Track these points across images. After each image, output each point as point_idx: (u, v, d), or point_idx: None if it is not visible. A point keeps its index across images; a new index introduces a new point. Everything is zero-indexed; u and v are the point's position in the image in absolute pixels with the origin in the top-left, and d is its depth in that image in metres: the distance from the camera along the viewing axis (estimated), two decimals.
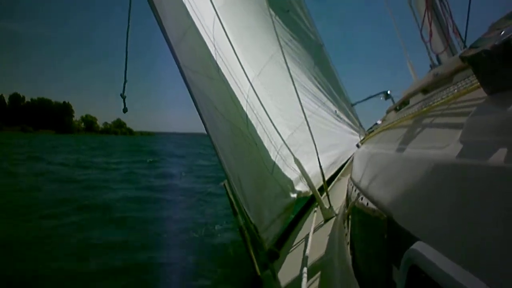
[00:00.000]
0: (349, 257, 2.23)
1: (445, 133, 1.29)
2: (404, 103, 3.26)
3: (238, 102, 3.34)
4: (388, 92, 6.66)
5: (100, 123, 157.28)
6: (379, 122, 4.09)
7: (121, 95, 2.15)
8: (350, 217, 2.53)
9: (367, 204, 1.82)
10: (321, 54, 6.77)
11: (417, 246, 0.99)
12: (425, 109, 1.80)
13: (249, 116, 3.49)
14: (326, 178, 5.30)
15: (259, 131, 3.67)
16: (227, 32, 3.69)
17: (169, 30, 2.12)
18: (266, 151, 3.65)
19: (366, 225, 1.87)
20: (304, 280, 2.49)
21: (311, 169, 4.42)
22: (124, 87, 2.16)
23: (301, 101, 5.75)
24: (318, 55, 6.68)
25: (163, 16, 2.10)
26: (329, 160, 5.78)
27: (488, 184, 0.77)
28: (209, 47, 3.16)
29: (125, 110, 2.19)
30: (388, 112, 3.82)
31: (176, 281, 6.52)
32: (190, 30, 2.82)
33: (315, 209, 4.34)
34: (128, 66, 2.28)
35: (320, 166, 4.20)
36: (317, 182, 4.48)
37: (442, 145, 1.13)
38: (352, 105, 7.26)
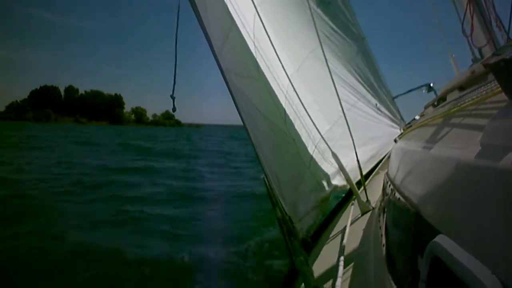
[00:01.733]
0: (382, 248, 2.34)
1: (469, 135, 1.39)
2: (442, 98, 3.28)
3: (277, 98, 3.47)
4: (431, 84, 6.53)
5: (149, 115, 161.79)
6: (417, 117, 4.10)
7: (171, 96, 2.36)
8: (385, 210, 2.63)
9: (399, 199, 1.94)
10: (362, 47, 6.72)
11: (439, 239, 1.11)
12: (455, 108, 1.87)
13: (288, 112, 3.62)
14: (366, 171, 5.35)
15: (297, 126, 3.79)
16: (267, 29, 3.81)
17: (212, 35, 2.29)
18: (304, 146, 3.77)
19: (397, 219, 2.00)
20: (340, 269, 2.62)
21: (349, 162, 4.49)
22: (173, 88, 2.37)
23: (341, 94, 5.79)
24: (359, 48, 6.64)
25: (206, 20, 2.27)
26: (369, 154, 5.80)
27: (502, 185, 0.85)
28: (250, 46, 3.30)
29: (174, 109, 2.41)
30: (426, 107, 3.83)
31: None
32: (232, 31, 2.98)
33: (353, 202, 4.44)
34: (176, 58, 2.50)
35: (358, 160, 4.27)
36: (355, 176, 4.54)
37: (464, 146, 1.23)
38: (393, 98, 7.17)
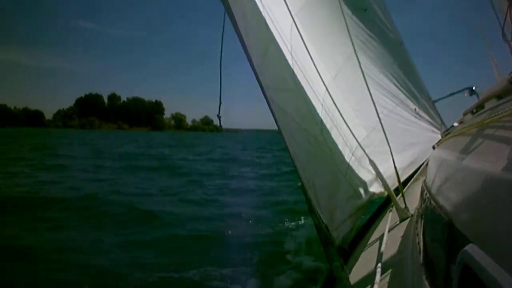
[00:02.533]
0: (419, 256, 2.37)
1: (502, 147, 1.43)
2: (481, 106, 3.25)
3: (314, 108, 3.55)
4: (474, 88, 6.38)
5: (188, 121, 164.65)
6: (455, 124, 4.05)
7: (217, 115, 2.53)
8: (422, 218, 2.66)
9: (434, 207, 1.99)
10: (400, 51, 6.67)
11: (469, 248, 1.18)
12: (490, 119, 1.90)
13: (324, 121, 3.68)
14: (404, 178, 5.30)
15: (334, 135, 3.85)
16: (304, 38, 3.90)
17: (252, 53, 2.43)
18: (340, 154, 3.82)
19: (432, 227, 2.05)
20: (378, 276, 2.66)
21: (388, 169, 4.48)
22: (219, 108, 2.55)
23: (378, 100, 5.78)
24: (397, 53, 6.59)
25: (247, 38, 2.40)
26: (408, 160, 5.74)
27: None
28: (288, 58, 3.40)
29: (220, 129, 2.62)
30: (464, 114, 3.79)
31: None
32: (271, 45, 3.10)
33: (391, 209, 4.42)
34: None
35: (395, 167, 4.26)
36: (393, 182, 4.53)
37: (496, 159, 1.29)
38: (434, 102, 7.05)
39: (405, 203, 4.15)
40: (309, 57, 3.94)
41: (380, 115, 5.89)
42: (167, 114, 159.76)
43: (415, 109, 6.69)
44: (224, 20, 2.45)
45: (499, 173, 1.20)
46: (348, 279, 2.36)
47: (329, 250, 2.40)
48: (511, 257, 0.93)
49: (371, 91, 5.94)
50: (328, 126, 3.75)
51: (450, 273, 1.47)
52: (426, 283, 1.96)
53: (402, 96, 6.54)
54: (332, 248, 2.35)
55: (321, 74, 4.12)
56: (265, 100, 2.48)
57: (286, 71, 3.30)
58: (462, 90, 6.64)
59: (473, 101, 4.94)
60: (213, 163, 26.57)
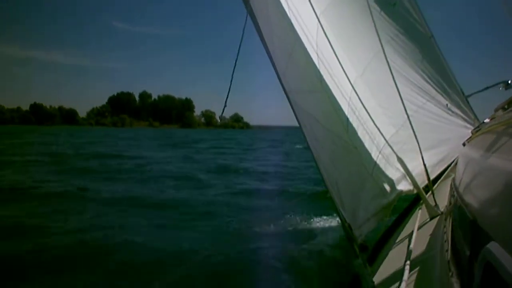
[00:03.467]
0: (446, 254, 2.37)
1: None
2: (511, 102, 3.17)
3: (340, 107, 3.55)
4: (510, 81, 6.16)
5: (218, 118, 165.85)
6: (487, 120, 3.95)
7: (219, 117, 2.62)
8: (450, 215, 2.65)
9: (460, 205, 2.00)
10: (430, 46, 6.52)
11: (491, 246, 1.20)
12: None
13: (351, 120, 3.67)
14: (435, 175, 5.21)
15: (360, 133, 3.83)
16: (329, 37, 3.89)
17: (277, 57, 2.47)
18: (367, 153, 3.80)
19: (458, 225, 2.05)
20: (406, 273, 2.67)
21: (417, 166, 4.41)
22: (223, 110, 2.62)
23: (408, 96, 5.70)
24: (427, 47, 6.44)
25: (270, 42, 2.45)
26: (438, 156, 5.63)
27: None
28: (313, 58, 3.41)
29: (222, 119, 2.71)
30: (496, 110, 3.69)
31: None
32: (296, 46, 3.13)
33: (420, 207, 4.37)
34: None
35: (424, 164, 4.20)
36: (423, 180, 4.46)
37: None
38: (466, 97, 6.86)
39: (435, 201, 4.09)
40: (335, 56, 3.94)
41: (409, 112, 5.80)
42: (197, 112, 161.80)
43: (447, 104, 6.54)
44: (245, 21, 2.51)
45: None
46: (370, 276, 2.39)
47: (352, 247, 2.44)
48: None
49: (400, 87, 5.86)
50: (354, 125, 3.74)
51: (474, 271, 1.49)
52: (452, 280, 1.97)
53: (433, 91, 6.40)
54: (355, 246, 2.38)
55: (347, 72, 4.10)
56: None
57: (312, 72, 3.31)
58: (497, 84, 6.42)
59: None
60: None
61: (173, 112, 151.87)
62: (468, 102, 6.90)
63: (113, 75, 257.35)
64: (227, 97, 2.78)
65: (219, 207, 11.87)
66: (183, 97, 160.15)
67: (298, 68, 3.06)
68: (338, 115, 3.42)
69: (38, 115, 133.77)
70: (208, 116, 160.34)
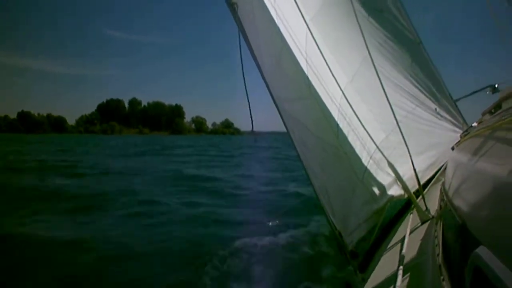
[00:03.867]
0: (438, 258, 2.38)
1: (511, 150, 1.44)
2: (498, 106, 3.21)
3: (330, 114, 3.55)
4: (496, 85, 6.25)
5: (208, 124, 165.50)
6: (474, 124, 3.99)
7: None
8: (440, 219, 2.66)
9: (450, 209, 2.01)
10: (418, 51, 6.59)
11: (480, 250, 1.20)
12: (501, 121, 1.90)
13: (341, 126, 3.67)
14: (425, 179, 5.23)
15: (351, 139, 3.83)
16: (319, 43, 3.90)
17: (264, 64, 2.46)
18: (357, 159, 3.80)
19: (448, 229, 2.06)
20: (399, 278, 2.67)
21: (408, 171, 4.43)
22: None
23: (397, 101, 5.74)
24: (416, 53, 6.52)
25: (258, 48, 2.44)
26: (428, 161, 5.67)
27: None
28: (302, 65, 3.41)
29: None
30: (483, 114, 3.73)
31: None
32: (284, 52, 3.12)
33: (412, 211, 4.38)
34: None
35: (414, 168, 4.22)
36: (414, 184, 4.48)
37: (506, 162, 1.30)
38: (455, 101, 6.94)
39: (425, 205, 4.11)
40: (324, 62, 3.94)
41: (399, 117, 5.84)
42: (188, 118, 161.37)
43: (436, 109, 6.61)
44: (239, 36, 2.50)
45: (501, 177, 1.21)
46: (362, 283, 2.36)
47: (343, 254, 2.42)
48: None
49: (390, 92, 5.89)
50: (345, 131, 3.74)
51: (464, 276, 1.49)
52: (443, 284, 1.97)
53: (422, 96, 6.46)
54: (346, 253, 2.35)
55: (337, 78, 4.11)
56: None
57: (300, 79, 3.31)
58: (484, 88, 6.52)
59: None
60: None
61: (163, 119, 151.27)
62: (456, 106, 6.98)
63: (106, 83, 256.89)
64: (249, 107, 2.75)
65: None
66: (173, 104, 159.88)
67: (286, 75, 3.05)
68: (328, 122, 3.41)
69: (26, 123, 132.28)
70: (199, 122, 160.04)
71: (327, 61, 4.03)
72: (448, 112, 6.77)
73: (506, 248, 1.07)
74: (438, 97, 6.69)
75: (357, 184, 3.43)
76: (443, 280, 2.01)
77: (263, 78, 2.45)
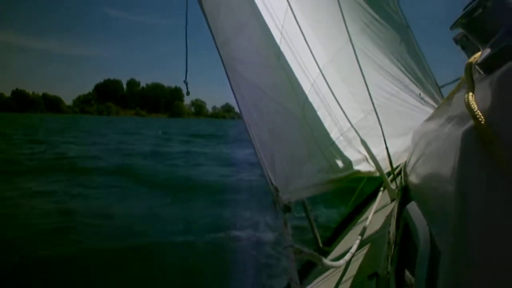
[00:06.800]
0: (391, 233, 2.44)
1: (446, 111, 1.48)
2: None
3: (300, 86, 3.55)
4: None
5: (209, 107, 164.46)
6: None
7: (184, 81, 2.60)
8: (399, 194, 2.72)
9: (405, 185, 2.06)
10: (405, 36, 6.57)
11: (409, 206, 1.24)
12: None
13: (310, 99, 3.68)
14: (402, 161, 5.30)
15: (321, 113, 3.85)
16: (299, 21, 3.88)
17: (218, 28, 2.46)
18: (324, 132, 3.82)
19: (401, 201, 2.11)
20: (354, 246, 2.74)
21: (382, 151, 4.48)
22: (186, 74, 2.61)
23: (381, 83, 5.77)
24: (402, 37, 6.49)
25: (214, 12, 2.42)
26: (407, 144, 5.71)
27: (456, 151, 0.94)
28: (275, 36, 3.40)
29: (188, 93, 2.66)
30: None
31: None
32: (252, 20, 3.11)
33: (381, 189, 4.45)
34: None
35: (387, 147, 4.27)
36: (388, 165, 4.53)
37: (441, 122, 1.33)
38: (440, 87, 6.95)
39: (396, 184, 4.17)
40: (304, 39, 3.94)
41: (382, 99, 5.88)
42: (187, 101, 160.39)
43: (420, 94, 6.61)
44: None
45: (437, 130, 1.24)
46: (288, 234, 2.31)
47: (275, 209, 2.40)
48: (439, 215, 0.94)
49: (374, 74, 5.92)
50: (315, 106, 3.76)
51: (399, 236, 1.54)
52: (393, 252, 2.03)
53: (407, 80, 6.47)
54: (278, 206, 2.34)
55: (316, 56, 4.11)
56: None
57: (270, 47, 3.30)
58: None
59: None
60: None
61: (162, 101, 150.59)
62: (441, 93, 6.99)
63: (106, 64, 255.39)
64: (186, 74, 2.76)
65: None
66: (173, 86, 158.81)
67: (249, 40, 3.05)
68: (295, 93, 3.42)
69: (20, 102, 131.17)
70: (198, 106, 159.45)
71: (307, 38, 4.03)
72: (432, 97, 6.79)
73: (429, 204, 1.08)
74: (423, 82, 6.69)
75: (316, 153, 3.45)
76: (394, 248, 2.07)
77: (213, 38, 2.45)
